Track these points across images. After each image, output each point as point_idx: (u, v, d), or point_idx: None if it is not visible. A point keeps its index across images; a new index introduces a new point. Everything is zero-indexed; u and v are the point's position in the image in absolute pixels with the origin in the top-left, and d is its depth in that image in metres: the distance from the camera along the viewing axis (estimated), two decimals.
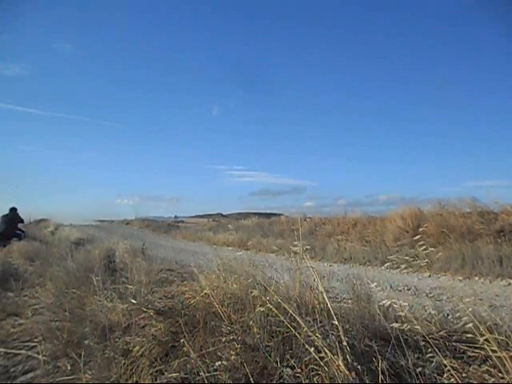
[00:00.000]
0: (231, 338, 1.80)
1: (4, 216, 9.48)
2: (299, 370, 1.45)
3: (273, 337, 1.73)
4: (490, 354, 1.34)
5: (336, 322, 1.50)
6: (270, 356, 1.59)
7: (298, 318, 1.58)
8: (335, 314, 1.55)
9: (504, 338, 1.48)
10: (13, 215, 9.55)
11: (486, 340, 1.37)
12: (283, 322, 1.65)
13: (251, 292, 1.99)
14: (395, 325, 1.52)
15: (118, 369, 1.85)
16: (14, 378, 2.12)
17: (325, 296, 1.74)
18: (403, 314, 1.51)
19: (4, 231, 9.03)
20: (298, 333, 1.56)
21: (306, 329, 1.51)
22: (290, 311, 1.63)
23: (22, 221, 9.94)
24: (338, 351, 1.36)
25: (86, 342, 2.27)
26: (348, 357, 1.36)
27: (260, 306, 1.83)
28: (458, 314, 1.74)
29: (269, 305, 1.75)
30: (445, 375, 1.34)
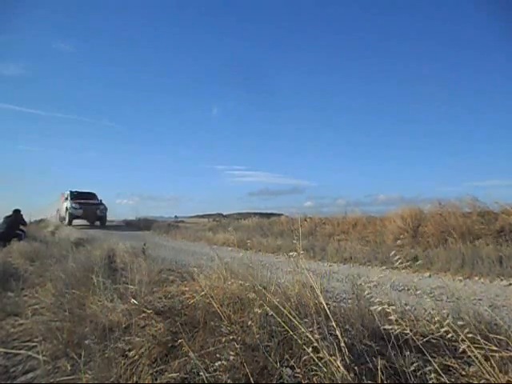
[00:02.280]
0: (231, 338, 1.80)
1: (6, 217, 9.45)
2: (299, 370, 1.46)
3: (272, 337, 1.73)
4: (490, 353, 1.34)
5: (333, 324, 1.50)
6: (270, 356, 1.59)
7: (294, 321, 1.57)
8: (334, 315, 1.56)
9: (504, 338, 1.48)
10: (15, 217, 9.53)
11: (486, 340, 1.37)
12: (282, 322, 1.66)
13: (250, 292, 1.99)
14: (394, 326, 1.52)
15: (117, 369, 1.86)
16: (14, 378, 2.13)
17: (321, 297, 1.74)
18: (394, 318, 1.51)
19: (4, 232, 9.00)
20: (297, 333, 1.56)
21: (303, 330, 1.51)
22: (286, 313, 1.63)
23: (24, 223, 9.86)
24: (337, 352, 1.36)
25: (86, 342, 2.27)
26: (346, 357, 1.36)
27: (259, 306, 1.83)
28: (458, 314, 1.74)
29: (266, 307, 1.75)
30: (443, 375, 1.34)
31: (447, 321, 1.45)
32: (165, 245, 10.05)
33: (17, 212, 9.63)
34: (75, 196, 15.85)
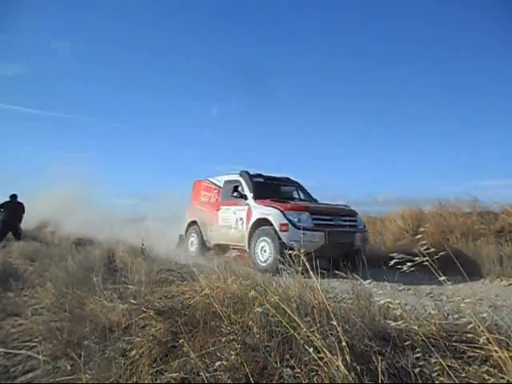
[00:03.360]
0: (231, 338, 1.80)
1: (6, 203, 8.61)
2: (299, 370, 1.46)
3: (273, 337, 1.73)
4: (490, 354, 1.34)
5: (335, 323, 1.50)
6: (270, 356, 1.59)
7: (296, 319, 1.58)
8: (335, 314, 1.56)
9: (504, 338, 1.48)
10: (15, 204, 8.64)
11: (487, 340, 1.37)
12: (283, 322, 1.66)
13: (251, 292, 1.99)
14: (395, 324, 1.52)
15: (117, 369, 1.86)
16: (13, 378, 2.13)
17: (323, 296, 1.74)
18: (399, 312, 1.51)
19: (8, 219, 8.30)
20: (298, 333, 1.56)
21: (305, 329, 1.51)
22: (289, 311, 1.63)
23: (24, 210, 8.78)
24: (338, 351, 1.36)
25: (86, 342, 2.27)
26: (347, 357, 1.36)
27: (259, 306, 1.83)
28: (458, 314, 1.74)
29: (267, 305, 1.75)
30: (444, 375, 1.34)
31: (468, 311, 1.45)
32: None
33: (14, 197, 8.73)
34: (263, 188, 5.74)
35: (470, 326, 1.44)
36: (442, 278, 1.67)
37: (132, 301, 2.56)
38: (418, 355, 1.47)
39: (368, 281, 1.99)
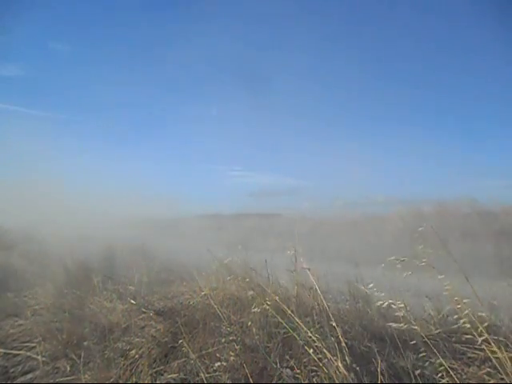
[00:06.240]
0: (231, 338, 1.80)
1: None
2: (298, 371, 1.46)
3: (272, 338, 1.73)
4: (490, 354, 1.33)
5: (334, 324, 1.50)
6: (270, 357, 1.59)
7: (296, 319, 1.57)
8: (334, 315, 1.56)
9: (503, 339, 1.48)
10: None
11: (486, 341, 1.37)
12: (282, 323, 1.65)
13: (250, 293, 1.99)
14: (394, 325, 1.52)
15: (117, 369, 1.85)
16: (13, 378, 2.12)
17: (322, 298, 1.74)
18: (401, 314, 1.51)
19: None
20: (298, 334, 1.56)
21: (305, 330, 1.51)
22: (289, 312, 1.63)
23: None
24: (337, 352, 1.36)
25: (86, 342, 2.27)
26: (347, 358, 1.36)
27: (258, 305, 1.83)
28: (457, 315, 1.74)
29: (266, 306, 1.75)
30: (443, 375, 1.34)
31: (465, 312, 1.44)
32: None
33: None
34: None
35: (468, 326, 1.43)
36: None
37: (131, 301, 2.56)
38: (418, 356, 1.47)
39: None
